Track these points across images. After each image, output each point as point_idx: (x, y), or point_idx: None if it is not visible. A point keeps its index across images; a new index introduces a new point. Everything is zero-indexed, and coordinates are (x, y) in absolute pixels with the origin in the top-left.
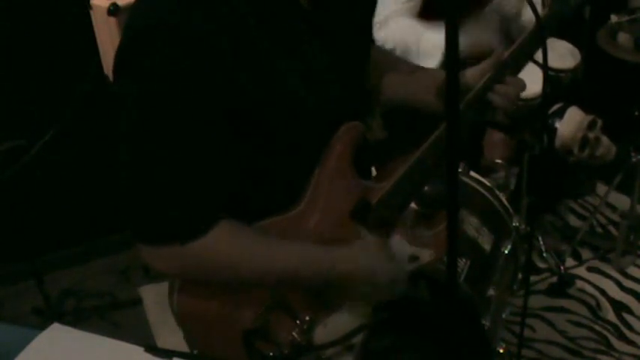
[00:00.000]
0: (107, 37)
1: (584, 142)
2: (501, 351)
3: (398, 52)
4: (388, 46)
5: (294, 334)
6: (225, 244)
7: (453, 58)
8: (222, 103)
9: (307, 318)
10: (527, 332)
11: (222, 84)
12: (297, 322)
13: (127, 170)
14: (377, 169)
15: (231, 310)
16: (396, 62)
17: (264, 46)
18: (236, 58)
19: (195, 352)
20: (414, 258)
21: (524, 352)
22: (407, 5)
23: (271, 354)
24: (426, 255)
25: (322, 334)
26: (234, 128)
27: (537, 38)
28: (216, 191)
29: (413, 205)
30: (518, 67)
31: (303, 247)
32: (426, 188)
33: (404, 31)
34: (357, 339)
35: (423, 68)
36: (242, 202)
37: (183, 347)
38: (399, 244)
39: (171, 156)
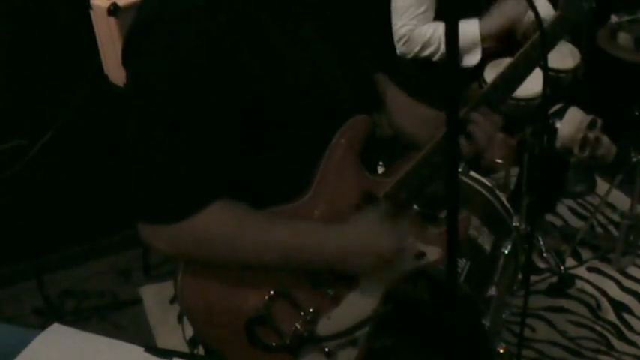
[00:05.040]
0: (107, 37)
1: (584, 142)
2: (501, 351)
3: (439, 55)
4: (425, 53)
5: (297, 324)
6: (220, 221)
7: (453, 57)
8: (232, 90)
9: (311, 309)
10: (527, 332)
11: (232, 72)
12: (301, 313)
13: (130, 147)
14: (385, 166)
15: (234, 297)
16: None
17: (276, 41)
18: (247, 48)
19: (195, 351)
20: (420, 254)
21: (524, 352)
22: (423, 14)
23: (273, 344)
24: (433, 252)
25: (326, 326)
26: (243, 116)
27: (540, 41)
28: (214, 173)
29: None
30: (523, 75)
31: (302, 223)
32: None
33: (435, 39)
34: (361, 333)
35: (413, 104)
36: (249, 191)
37: (184, 347)
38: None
39: (169, 136)
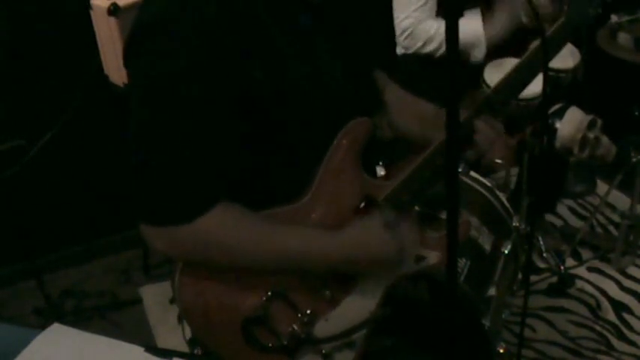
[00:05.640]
0: (107, 37)
1: (584, 142)
2: (501, 351)
3: (442, 52)
4: (428, 49)
5: (294, 326)
6: (223, 225)
7: (453, 57)
8: (233, 91)
9: (309, 311)
10: (527, 332)
11: (233, 73)
12: (299, 314)
13: (133, 149)
14: (385, 168)
15: (232, 297)
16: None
17: (276, 42)
18: (249, 50)
19: (195, 351)
20: (420, 258)
21: (524, 352)
22: (425, 6)
23: (270, 344)
24: (433, 257)
25: (323, 328)
26: (243, 118)
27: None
28: (216, 175)
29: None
30: (527, 79)
31: (305, 228)
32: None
33: (438, 36)
34: (358, 335)
35: (411, 100)
36: (249, 191)
37: (184, 347)
38: None
39: (172, 137)
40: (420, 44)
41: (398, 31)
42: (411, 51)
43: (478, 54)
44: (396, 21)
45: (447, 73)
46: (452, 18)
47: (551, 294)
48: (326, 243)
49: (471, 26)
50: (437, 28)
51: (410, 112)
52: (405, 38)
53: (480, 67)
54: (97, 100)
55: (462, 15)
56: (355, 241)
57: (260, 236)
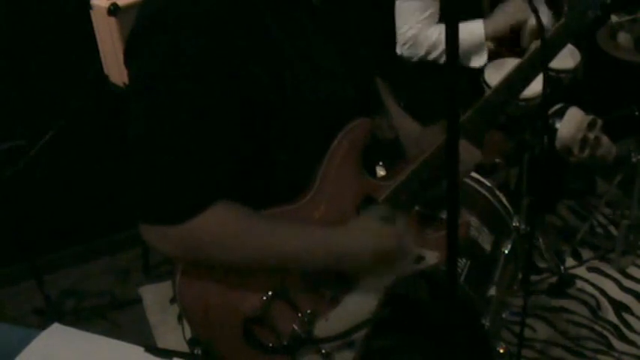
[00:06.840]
0: (107, 37)
1: (584, 142)
2: (501, 351)
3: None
4: (431, 56)
5: (294, 325)
6: (222, 223)
7: (453, 58)
8: (234, 90)
9: (309, 311)
10: (527, 332)
11: (234, 72)
12: (299, 314)
13: (132, 147)
14: (386, 169)
15: (232, 297)
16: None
17: (279, 42)
18: (251, 49)
19: (195, 351)
20: (419, 258)
21: (524, 352)
22: (428, 18)
23: (271, 344)
24: (432, 257)
25: (323, 328)
26: (244, 117)
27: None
28: (214, 175)
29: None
30: (526, 81)
31: (304, 226)
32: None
33: (441, 42)
34: (358, 335)
35: (410, 127)
36: (250, 191)
37: (184, 347)
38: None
39: (168, 136)
40: (422, 53)
41: (401, 41)
42: (414, 59)
43: (479, 61)
44: (399, 31)
45: (447, 74)
46: (452, 21)
47: (551, 294)
48: (326, 238)
49: (474, 30)
50: (438, 35)
51: (407, 137)
52: (408, 48)
53: (477, 69)
54: (97, 100)
55: (463, 19)
56: (355, 235)
57: (261, 234)
